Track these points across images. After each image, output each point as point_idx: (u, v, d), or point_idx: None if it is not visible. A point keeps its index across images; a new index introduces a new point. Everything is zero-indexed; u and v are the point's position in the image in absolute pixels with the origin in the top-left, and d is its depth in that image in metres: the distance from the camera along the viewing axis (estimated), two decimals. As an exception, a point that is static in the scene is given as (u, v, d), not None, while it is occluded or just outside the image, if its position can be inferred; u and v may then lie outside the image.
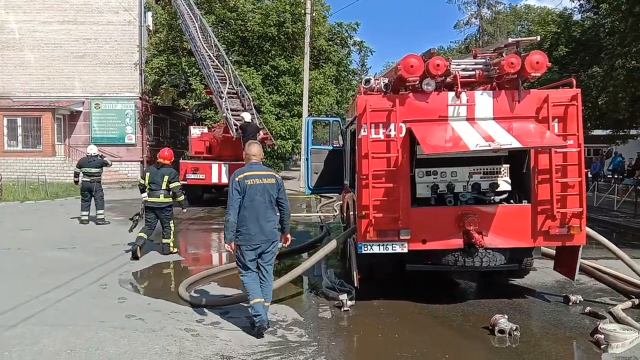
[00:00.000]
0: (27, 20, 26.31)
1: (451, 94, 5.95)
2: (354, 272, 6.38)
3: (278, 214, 5.51)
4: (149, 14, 27.36)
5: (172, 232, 9.60)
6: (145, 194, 9.48)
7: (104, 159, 13.78)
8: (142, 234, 9.27)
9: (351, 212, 7.46)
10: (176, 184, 9.49)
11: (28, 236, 11.34)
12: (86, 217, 13.00)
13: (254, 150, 5.56)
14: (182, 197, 9.74)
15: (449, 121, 5.92)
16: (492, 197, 6.31)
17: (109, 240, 10.69)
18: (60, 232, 11.97)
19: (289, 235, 5.67)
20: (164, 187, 9.33)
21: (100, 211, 13.12)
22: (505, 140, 5.45)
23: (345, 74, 31.89)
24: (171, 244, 9.61)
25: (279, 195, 5.42)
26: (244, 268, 5.39)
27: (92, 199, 13.00)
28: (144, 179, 9.56)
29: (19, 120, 25.00)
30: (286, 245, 5.85)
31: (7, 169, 22.33)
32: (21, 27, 26.36)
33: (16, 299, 6.39)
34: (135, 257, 8.90)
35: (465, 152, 5.64)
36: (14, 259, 9.03)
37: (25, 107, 25.16)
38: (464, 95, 5.94)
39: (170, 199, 9.49)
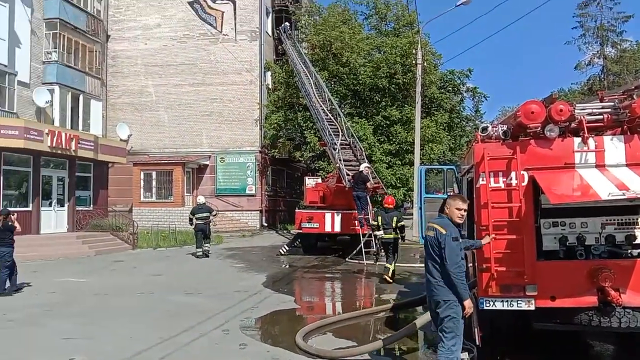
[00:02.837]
0: (163, 84, 29.40)
1: (577, 140, 5.60)
2: (475, 329, 6.06)
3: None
4: (269, 73, 29.31)
5: (395, 262, 12.00)
6: (380, 232, 12.17)
7: (212, 208, 17.78)
8: (389, 265, 11.89)
9: (470, 264, 7.17)
10: (402, 223, 12.19)
11: (159, 281, 12.28)
12: (200, 252, 16.38)
13: (448, 201, 5.26)
14: (405, 233, 12.48)
15: (576, 168, 5.56)
16: (629, 251, 5.74)
17: (232, 287, 11.22)
18: (188, 277, 12.82)
19: (466, 303, 4.85)
20: (393, 225, 11.90)
21: (207, 245, 16.76)
22: (642, 188, 5.00)
23: (458, 120, 31.33)
24: (390, 272, 11.75)
25: (440, 252, 4.86)
26: None
27: (203, 236, 16.48)
28: (377, 221, 12.28)
29: (154, 173, 27.58)
30: (465, 316, 5.03)
31: (142, 218, 24.54)
32: (157, 90, 29.48)
33: (148, 340, 6.90)
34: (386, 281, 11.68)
35: (597, 201, 5.24)
36: (147, 302, 9.80)
37: (159, 162, 27.76)
38: (591, 141, 5.57)
39: (398, 235, 12.07)
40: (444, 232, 4.89)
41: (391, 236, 11.99)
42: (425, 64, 24.12)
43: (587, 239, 5.80)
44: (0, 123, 16.96)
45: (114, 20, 29.59)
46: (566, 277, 5.52)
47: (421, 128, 23.21)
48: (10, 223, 10.48)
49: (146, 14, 29.53)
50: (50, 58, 23.53)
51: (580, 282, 5.47)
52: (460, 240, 5.03)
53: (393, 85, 25.77)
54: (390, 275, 11.80)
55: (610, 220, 5.81)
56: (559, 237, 5.86)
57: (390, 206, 12.44)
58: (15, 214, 11.27)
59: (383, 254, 13.09)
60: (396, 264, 12.22)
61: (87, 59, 25.68)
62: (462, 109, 31.49)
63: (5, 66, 20.73)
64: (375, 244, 14.29)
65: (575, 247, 5.78)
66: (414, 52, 23.82)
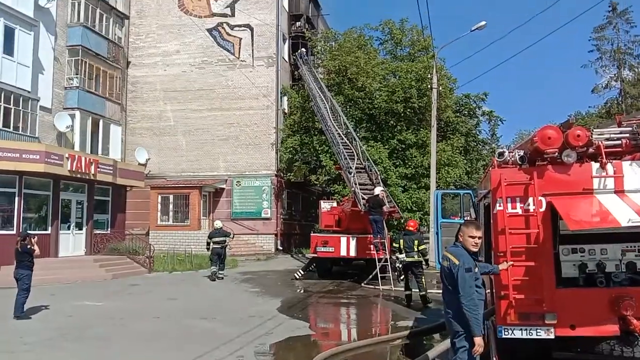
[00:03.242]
0: (181, 109, 29.85)
1: (595, 165, 5.55)
2: (494, 358, 5.94)
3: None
4: (285, 98, 29.62)
5: (424, 285, 12.01)
6: (402, 255, 12.10)
7: (228, 232, 18.36)
8: (410, 291, 12.15)
9: (488, 291, 7.06)
10: (424, 246, 12.19)
11: (174, 305, 12.28)
12: (215, 270, 16.85)
13: (461, 228, 5.14)
14: (428, 256, 12.61)
15: (594, 194, 5.48)
16: (650, 278, 5.61)
17: (246, 312, 11.19)
18: (203, 302, 12.81)
19: (477, 340, 4.72)
20: (415, 249, 11.86)
21: (222, 272, 17.06)
22: (663, 214, 4.91)
23: (475, 144, 31.21)
24: (426, 297, 11.93)
25: (454, 283, 4.80)
26: None
27: (218, 259, 16.95)
28: (398, 244, 12.24)
29: (171, 197, 27.79)
30: (476, 355, 4.86)
31: (158, 242, 24.66)
32: (176, 115, 29.92)
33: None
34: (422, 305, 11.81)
35: (616, 228, 5.16)
36: (162, 326, 9.80)
37: (176, 185, 27.99)
38: (610, 166, 5.50)
39: (421, 258, 12.01)
40: (457, 262, 4.81)
41: (414, 259, 11.98)
42: (440, 88, 24.17)
43: (608, 266, 5.68)
44: (22, 147, 17.31)
45: (134, 47, 30.35)
46: (586, 305, 5.40)
47: (437, 152, 23.15)
48: (29, 246, 10.60)
49: (166, 41, 30.18)
50: (72, 84, 24.16)
51: (601, 311, 5.34)
52: (475, 270, 4.94)
53: (408, 109, 25.80)
54: (426, 299, 11.93)
55: (631, 247, 5.69)
56: (578, 264, 5.75)
57: (412, 229, 12.45)
58: (35, 236, 11.40)
59: (402, 277, 12.89)
60: (413, 290, 12.09)
61: (107, 84, 26.30)
62: (478, 133, 31.40)
63: (29, 92, 21.32)
64: (397, 267, 14.20)
65: (596, 275, 5.67)
66: (429, 76, 23.91)
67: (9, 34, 20.41)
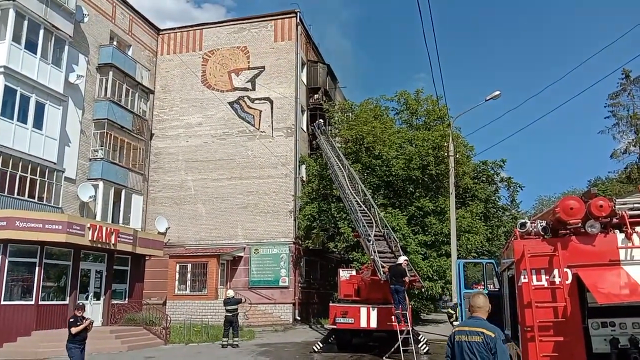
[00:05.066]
0: (202, 178, 30.35)
1: (621, 236, 5.45)
2: None
3: None
4: (303, 166, 30.02)
5: None
6: (457, 322, 11.98)
7: (240, 298, 19.59)
8: None
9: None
10: None
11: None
12: (226, 342, 17.47)
13: (475, 301, 4.69)
14: None
15: (621, 265, 5.37)
16: (689, 354, 5.34)
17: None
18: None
19: None
20: None
21: (236, 339, 17.81)
22: (697, 286, 4.75)
23: (495, 210, 30.93)
24: None
25: (488, 357, 4.33)
26: None
27: (231, 328, 17.66)
28: (454, 311, 12.71)
29: (189, 266, 27.66)
30: None
31: (175, 312, 24.35)
32: (197, 185, 30.39)
33: None
34: None
35: (648, 301, 4.99)
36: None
37: (195, 254, 27.93)
38: (636, 237, 5.41)
39: None
40: (492, 335, 4.41)
41: None
42: (457, 156, 24.29)
43: (642, 341, 5.44)
44: (45, 218, 17.60)
45: (158, 119, 31.41)
46: (622, 384, 5.14)
47: (456, 218, 22.92)
48: (71, 319, 10.75)
49: (189, 114, 31.19)
50: (96, 155, 24.91)
51: (638, 390, 5.08)
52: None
53: (426, 176, 25.92)
54: None
55: (665, 320, 5.47)
56: (609, 338, 5.52)
57: None
58: (92, 322, 11.24)
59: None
60: None
61: (131, 156, 27.06)
62: (497, 199, 31.18)
63: (55, 164, 21.98)
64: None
65: (629, 350, 5.43)
66: (445, 144, 24.13)
67: (40, 109, 21.36)
